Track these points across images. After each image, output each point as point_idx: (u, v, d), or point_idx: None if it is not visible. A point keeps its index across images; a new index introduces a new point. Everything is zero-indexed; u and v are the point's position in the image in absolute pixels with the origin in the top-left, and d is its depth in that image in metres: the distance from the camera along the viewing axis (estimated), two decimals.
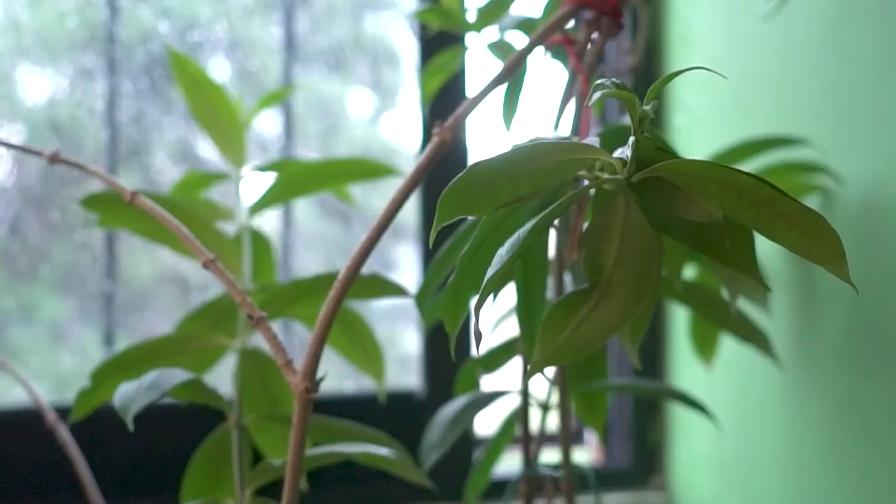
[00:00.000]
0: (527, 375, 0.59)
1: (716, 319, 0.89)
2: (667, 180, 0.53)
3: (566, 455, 0.79)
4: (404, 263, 1.33)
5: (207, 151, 1.26)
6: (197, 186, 0.91)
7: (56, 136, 1.18)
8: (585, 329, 0.58)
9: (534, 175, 0.52)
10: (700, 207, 0.55)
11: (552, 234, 0.71)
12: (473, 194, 0.54)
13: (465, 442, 1.16)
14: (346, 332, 0.83)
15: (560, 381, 0.79)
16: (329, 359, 1.29)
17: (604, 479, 1.26)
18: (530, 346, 0.61)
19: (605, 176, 0.52)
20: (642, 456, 1.30)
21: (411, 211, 1.25)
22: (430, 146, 0.64)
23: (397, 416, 1.17)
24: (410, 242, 1.29)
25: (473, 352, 1.14)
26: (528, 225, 0.51)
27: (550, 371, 0.83)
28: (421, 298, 0.73)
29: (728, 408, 1.18)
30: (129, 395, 0.65)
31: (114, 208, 0.76)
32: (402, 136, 1.36)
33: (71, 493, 1.02)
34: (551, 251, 0.74)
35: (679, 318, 1.27)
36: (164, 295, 1.22)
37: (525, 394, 0.81)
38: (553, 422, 0.87)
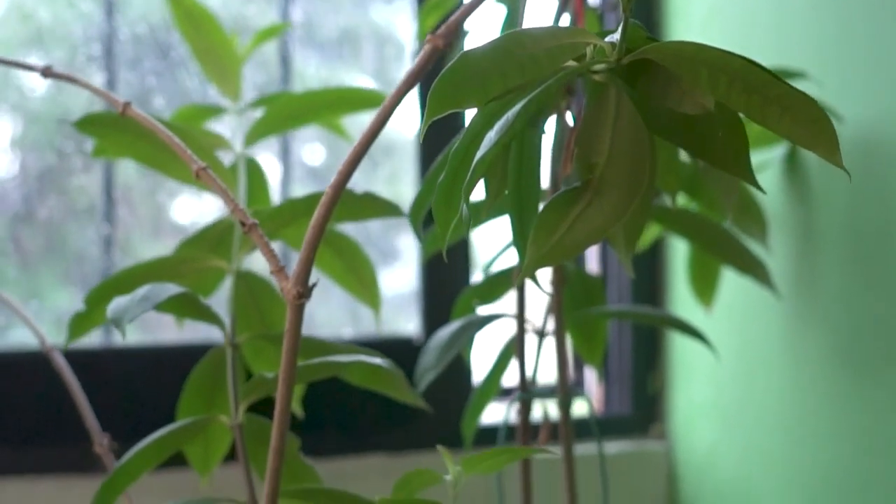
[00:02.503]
0: (519, 277, 0.59)
1: (715, 251, 0.89)
2: (658, 68, 0.52)
3: (562, 380, 0.79)
4: (406, 254, 1.33)
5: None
6: (193, 120, 0.91)
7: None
8: (578, 228, 0.57)
9: (524, 65, 0.52)
10: (692, 98, 0.54)
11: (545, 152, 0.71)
12: (463, 86, 0.54)
13: (460, 389, 1.16)
14: (340, 259, 0.83)
15: (556, 307, 0.79)
16: (328, 304, 1.29)
17: (603, 427, 1.26)
18: (523, 249, 0.61)
19: (596, 60, 0.52)
20: (642, 404, 1.30)
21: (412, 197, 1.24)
22: (421, 53, 0.63)
23: (396, 361, 1.17)
24: (411, 232, 1.29)
25: (472, 279, 1.14)
26: (518, 107, 0.50)
27: (546, 297, 0.83)
28: (415, 215, 0.73)
29: (728, 355, 1.18)
30: (122, 307, 0.65)
31: (108, 131, 0.76)
32: (405, 124, 1.36)
33: (74, 435, 1.02)
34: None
35: (678, 262, 1.26)
36: None
37: (521, 318, 0.81)
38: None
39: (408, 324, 1.28)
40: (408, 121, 1.32)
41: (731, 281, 1.11)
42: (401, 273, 1.33)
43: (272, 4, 1.26)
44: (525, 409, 0.80)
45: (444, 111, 0.54)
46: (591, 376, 1.34)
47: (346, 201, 0.73)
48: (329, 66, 1.33)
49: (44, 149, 1.17)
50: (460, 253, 1.16)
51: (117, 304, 0.65)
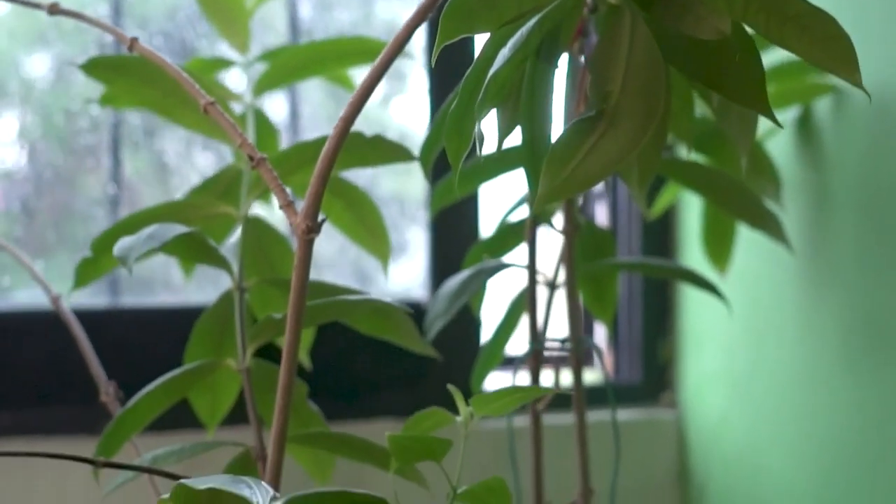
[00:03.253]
0: (533, 209, 0.58)
1: (728, 206, 0.88)
2: None
3: (574, 330, 0.78)
4: (414, 246, 1.32)
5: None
6: (202, 73, 0.90)
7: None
8: (593, 159, 0.56)
9: None
10: (708, 23, 0.53)
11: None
12: (476, 10, 0.53)
13: (469, 352, 1.15)
14: (350, 211, 0.82)
15: (567, 256, 0.78)
16: (336, 268, 1.28)
17: (615, 394, 1.25)
18: (535, 183, 0.60)
19: None
20: (652, 373, 1.29)
21: (421, 190, 1.24)
22: None
23: None
24: (420, 225, 1.28)
25: (482, 235, 1.13)
26: (532, 22, 0.49)
27: (557, 248, 0.82)
28: (425, 156, 0.72)
29: (739, 322, 1.16)
30: (128, 245, 0.64)
31: (115, 75, 0.75)
32: (412, 119, 1.35)
33: (81, 395, 1.01)
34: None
35: (689, 230, 1.25)
36: (175, 274, 1.21)
37: (532, 269, 0.80)
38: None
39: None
40: (417, 113, 1.31)
41: (742, 247, 1.10)
42: (410, 262, 1.32)
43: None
44: (536, 361, 0.79)
45: (457, 35, 0.53)
46: (601, 341, 1.33)
47: (355, 145, 0.72)
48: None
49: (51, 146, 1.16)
50: (468, 211, 1.15)
51: (123, 242, 0.65)
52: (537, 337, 0.80)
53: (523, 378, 0.84)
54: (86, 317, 0.89)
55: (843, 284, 1.01)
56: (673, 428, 1.27)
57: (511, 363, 1.18)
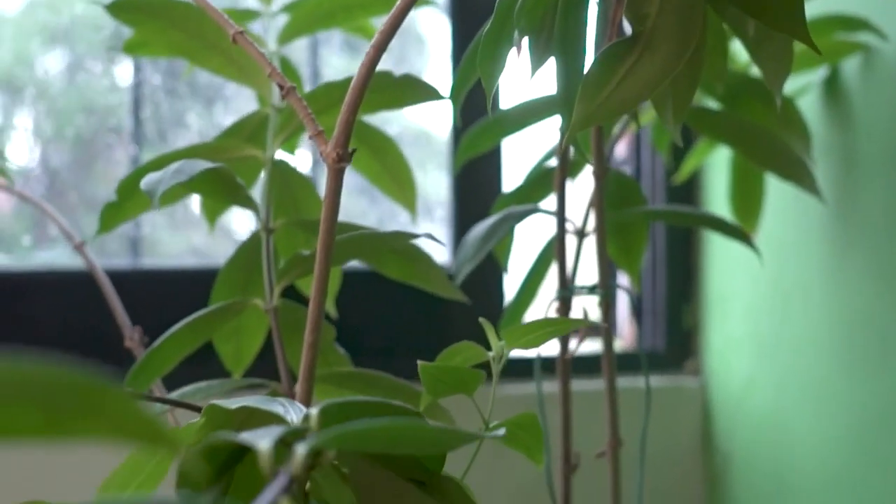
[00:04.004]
0: (567, 137, 0.57)
1: (758, 156, 0.87)
2: None
3: (603, 275, 0.77)
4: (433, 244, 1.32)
5: (233, 89, 1.23)
6: None
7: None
8: (629, 83, 0.56)
9: None
10: None
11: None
12: None
13: (495, 308, 1.14)
14: (376, 159, 0.81)
15: (597, 200, 0.77)
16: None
17: (637, 363, 1.24)
18: (568, 111, 0.59)
19: None
20: (676, 340, 1.27)
21: (441, 187, 1.23)
22: None
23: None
24: (439, 222, 1.27)
25: (505, 188, 1.12)
26: None
27: (586, 195, 0.81)
28: (455, 95, 0.71)
29: (764, 285, 1.15)
30: (155, 179, 0.63)
31: (141, 17, 0.75)
32: (428, 119, 1.34)
33: (106, 352, 1.00)
34: None
35: (717, 189, 1.23)
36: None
37: (561, 216, 0.79)
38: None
39: None
40: (438, 114, 1.30)
41: (768, 210, 1.09)
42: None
43: None
44: (564, 308, 0.78)
45: None
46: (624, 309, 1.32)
47: (383, 85, 0.71)
48: (349, 59, 1.31)
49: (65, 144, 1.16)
50: (491, 165, 1.14)
51: (150, 177, 0.64)
52: (566, 285, 0.79)
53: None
54: (108, 277, 0.88)
55: (871, 245, 1.00)
56: (697, 395, 1.26)
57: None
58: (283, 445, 0.38)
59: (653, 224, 1.27)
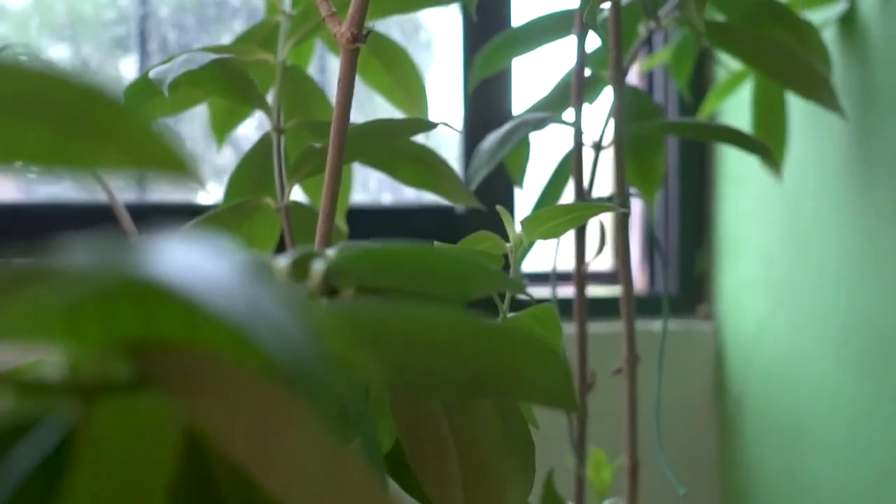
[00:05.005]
0: (586, 13, 0.55)
1: (780, 75, 0.85)
2: None
3: (620, 187, 0.76)
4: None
5: None
6: None
7: None
8: None
9: None
10: None
11: None
12: None
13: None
14: (388, 72, 0.79)
15: (616, 108, 0.75)
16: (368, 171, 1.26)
17: (649, 307, 1.22)
18: None
19: None
20: (689, 285, 1.26)
21: (455, 156, 1.21)
22: None
23: (436, 230, 1.14)
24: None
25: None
26: None
27: (604, 110, 0.79)
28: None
29: (779, 226, 1.14)
30: (164, 69, 0.62)
31: None
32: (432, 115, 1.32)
33: None
34: None
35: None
36: None
37: (578, 127, 0.77)
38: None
39: None
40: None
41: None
42: None
43: None
44: (580, 226, 0.77)
45: None
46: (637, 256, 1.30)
47: None
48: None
49: None
50: (502, 88, 1.12)
51: (159, 68, 0.62)
52: (583, 198, 0.77)
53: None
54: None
55: (891, 184, 0.98)
56: (710, 339, 1.24)
57: (538, 279, 1.16)
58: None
59: (666, 169, 1.25)
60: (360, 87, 0.75)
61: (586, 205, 0.57)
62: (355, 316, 0.29)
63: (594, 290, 1.22)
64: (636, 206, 1.21)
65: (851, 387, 1.02)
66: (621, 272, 0.75)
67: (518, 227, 0.59)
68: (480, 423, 0.43)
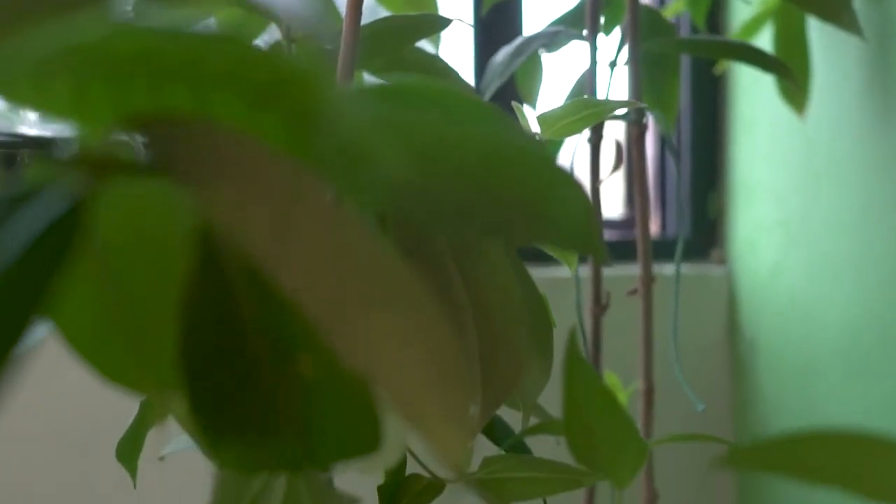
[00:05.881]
0: None
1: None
2: None
3: (635, 101, 0.74)
4: None
5: None
6: None
7: None
8: None
9: None
10: None
11: None
12: None
13: None
14: None
15: (631, 23, 0.74)
16: None
17: (661, 251, 1.21)
18: None
19: None
20: (702, 229, 1.24)
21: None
22: None
23: None
24: None
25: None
26: None
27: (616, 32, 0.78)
28: None
29: (793, 166, 1.12)
30: None
31: None
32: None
33: None
34: None
35: (744, 85, 1.19)
36: None
37: (593, 42, 0.76)
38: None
39: None
40: None
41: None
42: None
43: None
44: (597, 137, 0.75)
45: None
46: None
47: None
48: None
49: None
50: (513, 15, 1.11)
51: None
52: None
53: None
54: None
55: None
56: (723, 283, 1.23)
57: None
58: None
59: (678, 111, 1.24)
60: (370, 4, 0.74)
61: (603, 101, 0.55)
62: (382, 117, 0.28)
63: (608, 235, 1.20)
64: (648, 152, 1.20)
65: (865, 328, 1.01)
66: (637, 188, 0.74)
67: (535, 126, 0.58)
68: (500, 295, 0.42)
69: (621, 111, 0.77)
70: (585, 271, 0.79)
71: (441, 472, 0.51)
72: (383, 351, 0.26)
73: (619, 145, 0.76)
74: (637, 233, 0.76)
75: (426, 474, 0.51)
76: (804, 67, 1.00)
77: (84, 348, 0.30)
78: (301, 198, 0.25)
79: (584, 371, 0.38)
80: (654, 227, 1.27)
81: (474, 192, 0.31)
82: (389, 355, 0.26)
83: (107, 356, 0.30)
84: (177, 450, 0.60)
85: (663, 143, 1.25)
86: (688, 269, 1.22)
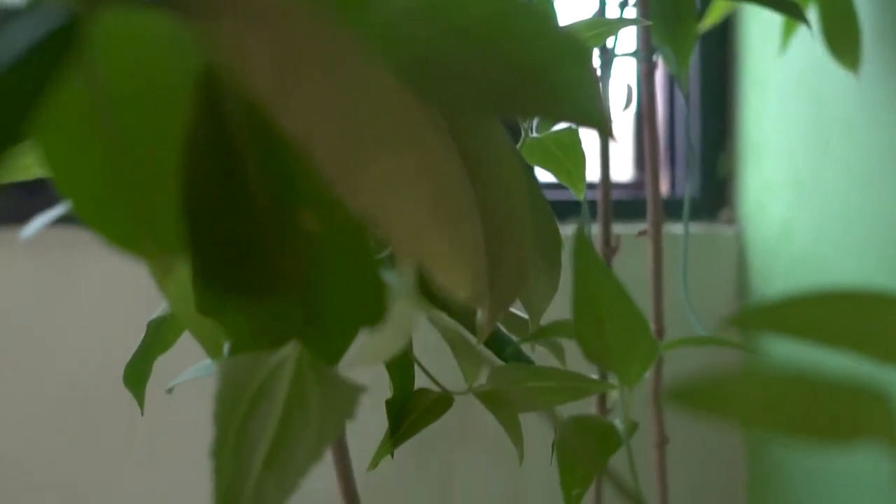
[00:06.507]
0: None
1: None
2: None
3: (646, 40, 0.74)
4: None
5: None
6: None
7: None
8: None
9: None
10: None
11: None
12: None
13: None
14: None
15: None
16: None
17: (671, 210, 1.20)
18: None
19: None
20: (711, 188, 1.24)
21: None
22: None
23: None
24: None
25: None
26: None
27: None
28: None
29: (803, 123, 1.11)
30: None
31: None
32: None
33: None
34: None
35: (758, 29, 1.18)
36: None
37: None
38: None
39: None
40: None
41: (803, 42, 1.05)
42: None
43: None
44: (604, 73, 0.75)
45: None
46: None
47: None
48: None
49: None
50: None
51: None
52: (607, 55, 0.75)
53: None
54: None
55: None
56: (733, 243, 1.23)
57: None
58: None
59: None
60: None
61: (610, 19, 0.55)
62: None
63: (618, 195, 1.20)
64: (658, 108, 1.19)
65: (876, 285, 1.00)
66: (646, 125, 0.74)
67: None
68: (506, 190, 0.42)
69: (631, 49, 0.77)
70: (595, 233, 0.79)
71: (450, 387, 0.50)
72: (389, 192, 0.25)
73: (629, 87, 0.76)
74: (646, 173, 0.76)
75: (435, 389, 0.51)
76: (852, 24, 0.97)
77: (90, 215, 0.30)
78: (306, 33, 0.25)
79: (593, 263, 0.38)
80: (664, 187, 1.26)
81: (479, 53, 0.31)
82: (395, 196, 0.25)
83: (112, 222, 0.30)
84: (186, 378, 0.60)
85: (672, 105, 1.24)
86: (697, 229, 1.22)
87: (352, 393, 0.35)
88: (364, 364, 0.37)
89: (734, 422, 0.23)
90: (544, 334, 0.46)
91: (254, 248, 0.29)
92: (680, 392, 0.22)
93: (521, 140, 0.57)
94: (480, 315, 0.43)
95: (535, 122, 0.58)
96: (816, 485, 1.09)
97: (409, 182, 0.25)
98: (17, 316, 0.97)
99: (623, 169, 1.28)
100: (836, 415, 0.23)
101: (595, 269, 0.38)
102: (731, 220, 1.24)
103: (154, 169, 0.28)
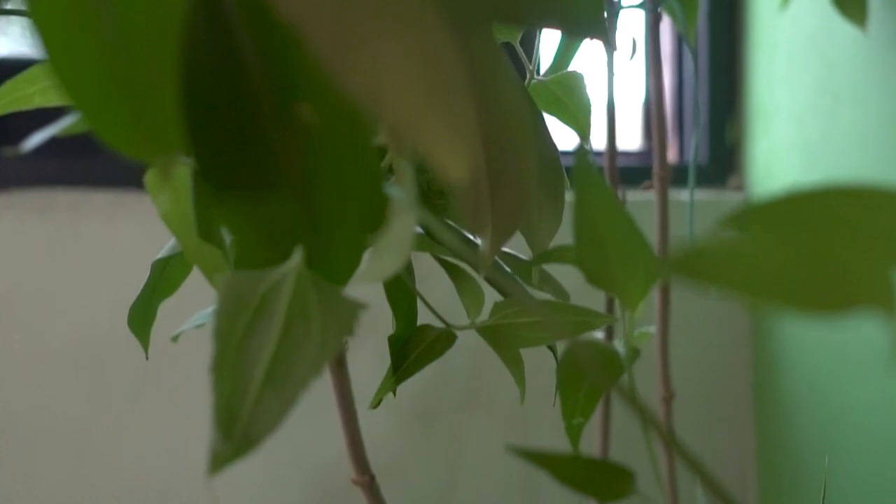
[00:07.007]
0: None
1: None
2: None
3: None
4: None
5: None
6: None
7: None
8: None
9: None
10: None
11: None
12: None
13: None
14: None
15: None
16: None
17: (679, 177, 1.20)
18: None
19: None
20: (720, 155, 1.23)
21: None
22: None
23: None
24: None
25: None
26: None
27: None
28: None
29: (811, 87, 1.11)
30: None
31: None
32: None
33: None
34: None
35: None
36: None
37: None
38: None
39: None
40: None
41: (811, 2, 1.04)
42: None
43: None
44: (610, 24, 0.74)
45: None
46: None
47: None
48: None
49: None
50: None
51: None
52: (613, 6, 0.75)
53: None
54: None
55: None
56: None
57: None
58: None
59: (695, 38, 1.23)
60: None
61: None
62: None
63: (625, 161, 1.19)
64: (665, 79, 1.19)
65: None
66: (651, 72, 0.73)
67: None
68: (508, 113, 0.41)
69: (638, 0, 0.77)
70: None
71: (452, 322, 0.50)
72: (385, 73, 0.25)
73: (634, 40, 0.76)
74: (653, 128, 0.76)
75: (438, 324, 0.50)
76: None
77: (92, 115, 0.30)
78: None
79: (594, 181, 0.38)
80: (672, 154, 1.26)
81: None
82: (391, 76, 0.25)
83: (112, 121, 0.30)
84: (193, 324, 0.60)
85: (680, 73, 1.24)
86: (705, 195, 1.21)
87: (353, 309, 0.35)
88: (368, 281, 0.37)
89: (736, 291, 0.22)
90: (547, 258, 0.46)
91: (253, 142, 0.29)
92: (684, 260, 0.22)
93: (527, 82, 0.57)
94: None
95: (539, 63, 0.58)
96: (822, 443, 1.09)
97: (407, 62, 0.25)
98: (27, 277, 0.98)
99: (631, 138, 1.28)
100: (836, 283, 0.22)
101: (596, 189, 0.38)
102: (740, 187, 1.23)
103: (152, 64, 0.28)
